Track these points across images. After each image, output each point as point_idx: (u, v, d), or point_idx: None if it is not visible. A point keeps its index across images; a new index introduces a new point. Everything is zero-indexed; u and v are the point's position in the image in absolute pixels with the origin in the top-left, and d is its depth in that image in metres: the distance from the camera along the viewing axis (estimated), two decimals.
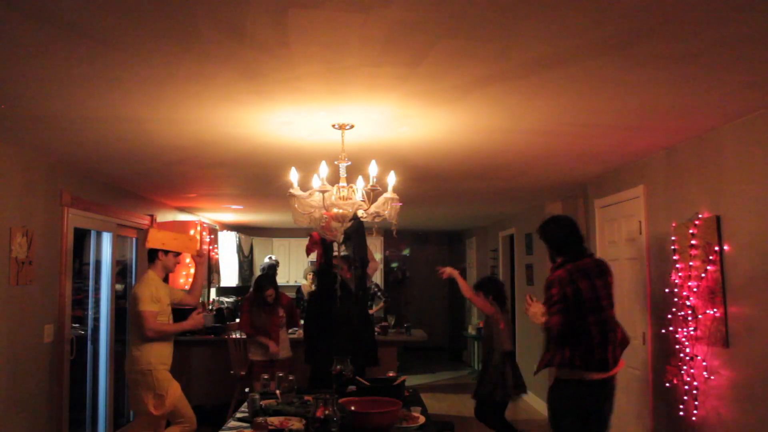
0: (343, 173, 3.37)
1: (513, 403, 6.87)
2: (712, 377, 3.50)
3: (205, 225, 7.27)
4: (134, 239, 6.11)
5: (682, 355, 3.71)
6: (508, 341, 5.02)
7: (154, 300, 4.23)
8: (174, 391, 4.26)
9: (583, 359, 3.48)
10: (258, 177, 5.22)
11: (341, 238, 3.46)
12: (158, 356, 4.20)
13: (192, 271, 6.81)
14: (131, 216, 5.74)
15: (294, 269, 10.57)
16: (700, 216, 3.63)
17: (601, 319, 3.54)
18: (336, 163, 3.37)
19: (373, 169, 3.22)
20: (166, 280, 4.65)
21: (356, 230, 4.86)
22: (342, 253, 5.05)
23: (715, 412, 3.49)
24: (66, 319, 4.47)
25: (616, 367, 3.59)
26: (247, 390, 4.15)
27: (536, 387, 7.46)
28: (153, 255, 4.41)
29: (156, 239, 4.42)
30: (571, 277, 3.53)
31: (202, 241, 6.94)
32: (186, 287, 6.96)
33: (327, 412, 2.84)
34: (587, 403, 3.55)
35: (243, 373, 5.85)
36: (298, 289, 8.66)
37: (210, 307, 8.02)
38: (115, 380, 5.47)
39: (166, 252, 4.41)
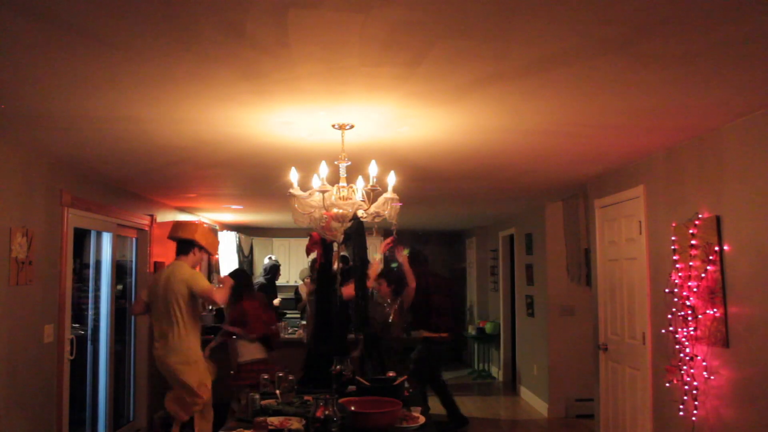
0: (343, 173, 3.36)
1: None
2: (712, 377, 3.50)
3: (205, 225, 7.26)
4: (134, 239, 6.11)
5: (682, 355, 3.71)
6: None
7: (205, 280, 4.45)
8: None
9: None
10: (258, 177, 5.22)
11: (341, 238, 3.46)
12: (199, 345, 4.46)
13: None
14: (131, 216, 5.74)
15: (294, 269, 10.56)
16: (700, 216, 3.63)
17: None
18: (336, 163, 3.37)
19: (373, 169, 3.22)
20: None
21: (356, 230, 4.86)
22: (342, 253, 5.06)
23: (715, 412, 3.49)
24: (66, 319, 4.47)
25: None
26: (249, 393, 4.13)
27: (536, 387, 7.46)
28: (190, 247, 4.60)
29: (203, 235, 4.65)
30: None
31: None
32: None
33: (327, 412, 2.84)
34: None
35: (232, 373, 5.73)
36: (296, 290, 8.65)
37: (210, 307, 8.02)
38: (115, 380, 5.47)
39: (201, 248, 4.61)
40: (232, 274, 5.52)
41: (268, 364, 5.38)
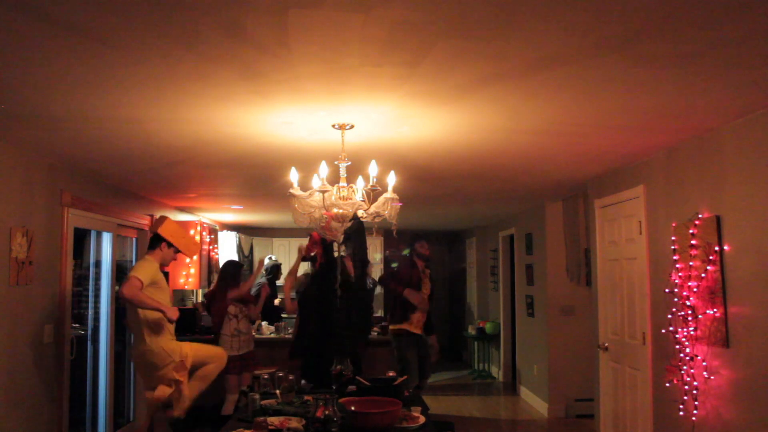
0: (343, 173, 3.37)
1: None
2: (712, 377, 3.50)
3: (205, 225, 7.27)
4: (134, 239, 6.12)
5: (682, 355, 3.71)
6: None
7: (150, 277, 4.20)
8: (188, 347, 4.38)
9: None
10: (258, 177, 5.22)
11: (341, 238, 3.46)
12: (164, 343, 4.29)
13: (192, 271, 6.83)
14: (131, 216, 5.75)
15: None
16: (700, 216, 3.63)
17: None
18: (336, 163, 3.37)
19: (373, 169, 3.22)
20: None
21: (356, 230, 4.86)
22: (342, 253, 5.06)
23: (715, 412, 3.49)
24: (66, 319, 4.47)
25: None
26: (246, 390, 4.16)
27: (536, 387, 7.46)
28: (157, 242, 4.41)
29: (168, 229, 4.44)
30: None
31: (201, 244, 6.97)
32: (186, 287, 6.98)
33: (327, 412, 2.84)
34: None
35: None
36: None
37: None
38: (115, 380, 5.47)
39: (170, 245, 4.43)
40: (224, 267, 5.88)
41: (246, 356, 5.65)
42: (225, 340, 5.65)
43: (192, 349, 4.43)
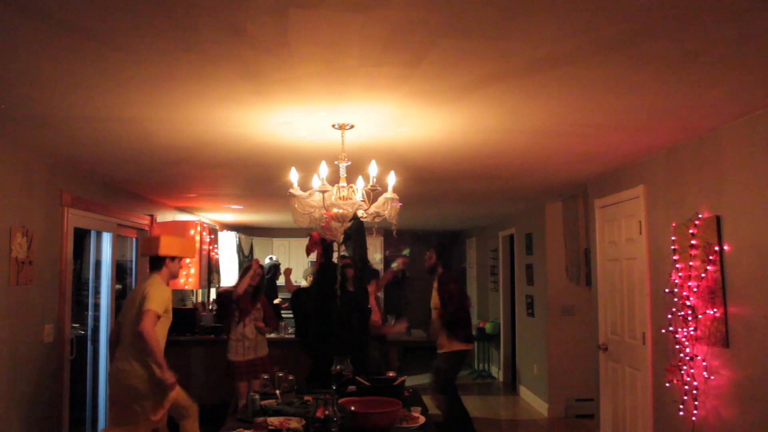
0: (343, 173, 3.37)
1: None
2: (712, 377, 3.50)
3: (205, 225, 7.27)
4: (134, 239, 6.12)
5: (682, 355, 3.71)
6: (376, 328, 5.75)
7: (164, 305, 4.04)
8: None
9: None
10: (258, 177, 5.22)
11: (341, 238, 3.46)
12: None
13: (192, 271, 6.82)
14: (131, 216, 5.75)
15: (294, 269, 10.55)
16: (700, 216, 3.63)
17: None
18: (336, 163, 3.37)
19: (373, 169, 3.22)
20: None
21: (356, 230, 4.86)
22: (342, 254, 5.06)
23: (715, 412, 3.49)
24: (66, 319, 4.47)
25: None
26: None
27: (536, 387, 7.46)
28: (161, 262, 4.25)
29: (167, 246, 4.26)
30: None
31: (201, 243, 6.94)
32: (186, 287, 6.98)
33: (327, 412, 2.84)
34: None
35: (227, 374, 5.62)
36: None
37: (210, 307, 8.02)
38: (109, 380, 5.46)
39: (173, 258, 4.29)
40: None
41: (256, 362, 5.49)
42: (230, 345, 5.51)
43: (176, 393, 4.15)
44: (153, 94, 2.87)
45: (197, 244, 6.66)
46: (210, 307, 8.06)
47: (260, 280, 5.71)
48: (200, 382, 6.44)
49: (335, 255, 5.13)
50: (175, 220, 7.05)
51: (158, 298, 4.01)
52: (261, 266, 5.84)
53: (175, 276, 4.39)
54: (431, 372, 5.83)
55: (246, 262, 9.41)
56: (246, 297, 5.51)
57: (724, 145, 3.46)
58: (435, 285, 5.84)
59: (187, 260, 6.28)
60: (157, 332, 3.99)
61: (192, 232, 6.82)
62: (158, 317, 3.98)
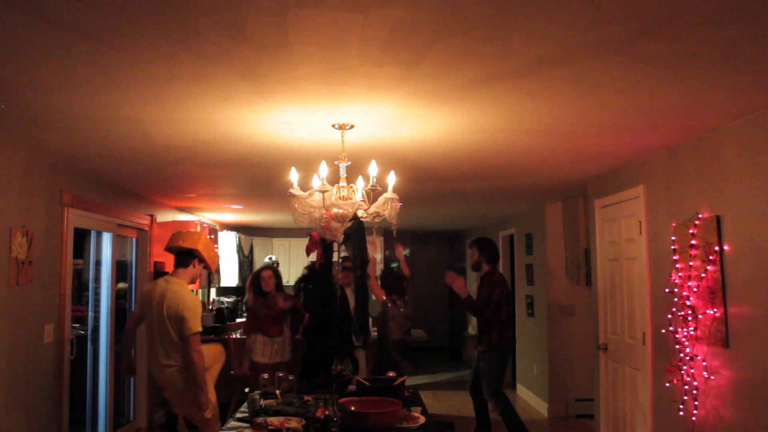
0: (343, 173, 3.37)
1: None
2: (712, 377, 3.50)
3: (205, 225, 7.27)
4: (134, 239, 6.12)
5: (682, 355, 3.71)
6: (398, 331, 5.80)
7: (200, 317, 3.99)
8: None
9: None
10: (258, 177, 5.22)
11: (341, 238, 3.46)
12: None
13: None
14: (131, 216, 5.75)
15: (294, 269, 10.56)
16: (700, 216, 3.63)
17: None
18: (336, 163, 3.37)
19: (373, 169, 3.22)
20: None
21: (356, 230, 4.86)
22: (342, 254, 5.06)
23: (715, 412, 3.49)
24: (66, 319, 4.47)
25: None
26: (246, 390, 4.13)
27: (536, 386, 7.46)
28: (190, 259, 4.10)
29: (204, 245, 4.11)
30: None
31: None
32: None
33: (327, 412, 2.84)
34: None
35: (247, 374, 5.60)
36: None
37: (210, 307, 8.03)
38: (115, 380, 5.47)
39: (201, 261, 4.16)
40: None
41: (281, 366, 5.29)
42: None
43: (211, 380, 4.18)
44: (153, 95, 2.87)
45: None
46: (210, 307, 8.06)
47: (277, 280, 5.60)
48: None
49: (335, 255, 5.14)
50: (175, 220, 7.04)
51: (195, 309, 3.98)
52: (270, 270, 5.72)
53: (193, 282, 4.27)
54: (474, 374, 5.59)
55: (246, 262, 9.39)
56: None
57: (724, 145, 3.46)
58: (478, 283, 5.62)
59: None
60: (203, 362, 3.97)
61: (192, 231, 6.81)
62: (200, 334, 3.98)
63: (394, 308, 5.83)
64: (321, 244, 5.05)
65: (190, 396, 4.02)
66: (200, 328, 3.98)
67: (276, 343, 5.46)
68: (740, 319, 3.30)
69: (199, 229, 6.88)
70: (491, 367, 5.34)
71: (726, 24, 2.13)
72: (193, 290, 7.93)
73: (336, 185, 3.28)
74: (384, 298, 5.81)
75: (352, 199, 3.22)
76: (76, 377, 4.74)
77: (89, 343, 5.29)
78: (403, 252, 5.94)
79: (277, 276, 5.58)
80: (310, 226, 3.40)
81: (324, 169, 3.15)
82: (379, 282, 6.19)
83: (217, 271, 8.08)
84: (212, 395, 4.14)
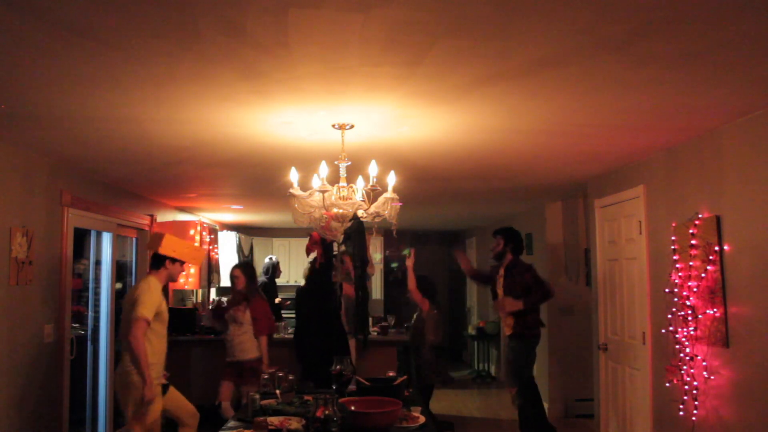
0: (343, 173, 3.37)
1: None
2: (712, 377, 3.50)
3: (205, 225, 7.26)
4: (134, 239, 6.12)
5: (682, 355, 3.71)
6: (435, 334, 5.79)
7: (155, 308, 3.96)
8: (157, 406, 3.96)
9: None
10: (258, 177, 5.22)
11: (341, 238, 3.46)
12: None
13: (192, 271, 6.81)
14: (131, 216, 5.75)
15: (294, 269, 10.56)
16: (700, 216, 3.63)
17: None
18: (336, 163, 3.37)
19: (373, 169, 3.22)
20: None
21: (356, 230, 4.87)
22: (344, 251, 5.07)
23: (715, 412, 3.49)
24: (66, 319, 4.47)
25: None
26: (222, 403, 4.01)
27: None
28: (161, 261, 4.15)
29: (169, 246, 4.16)
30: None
31: (206, 248, 6.88)
32: (186, 287, 6.98)
33: (327, 412, 2.84)
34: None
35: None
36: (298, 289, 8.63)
37: (210, 307, 8.02)
38: (115, 380, 5.46)
39: (174, 260, 4.18)
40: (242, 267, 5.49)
41: (244, 365, 5.27)
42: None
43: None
44: (153, 94, 2.87)
45: (203, 255, 6.52)
46: (210, 306, 8.05)
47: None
48: (201, 383, 6.44)
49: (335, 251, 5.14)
50: (175, 220, 7.04)
51: (148, 302, 3.92)
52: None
53: (173, 280, 4.30)
54: (504, 363, 5.56)
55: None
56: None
57: (724, 145, 3.46)
58: (501, 272, 5.46)
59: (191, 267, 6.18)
60: (154, 336, 3.94)
61: (192, 232, 6.82)
62: (148, 323, 3.90)
63: (430, 312, 5.75)
64: (321, 244, 5.05)
65: (127, 390, 3.92)
66: (148, 316, 3.86)
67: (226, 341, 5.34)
68: (740, 319, 3.30)
69: (198, 229, 6.88)
70: (516, 354, 5.36)
71: (726, 24, 2.13)
72: (192, 290, 7.98)
73: (336, 185, 3.29)
74: (427, 308, 5.73)
75: (352, 199, 3.22)
76: (76, 377, 4.74)
77: (89, 343, 5.29)
78: (411, 265, 5.80)
79: (247, 273, 5.42)
80: (310, 226, 3.40)
81: (324, 169, 3.15)
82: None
83: (217, 271, 8.08)
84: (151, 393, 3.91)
